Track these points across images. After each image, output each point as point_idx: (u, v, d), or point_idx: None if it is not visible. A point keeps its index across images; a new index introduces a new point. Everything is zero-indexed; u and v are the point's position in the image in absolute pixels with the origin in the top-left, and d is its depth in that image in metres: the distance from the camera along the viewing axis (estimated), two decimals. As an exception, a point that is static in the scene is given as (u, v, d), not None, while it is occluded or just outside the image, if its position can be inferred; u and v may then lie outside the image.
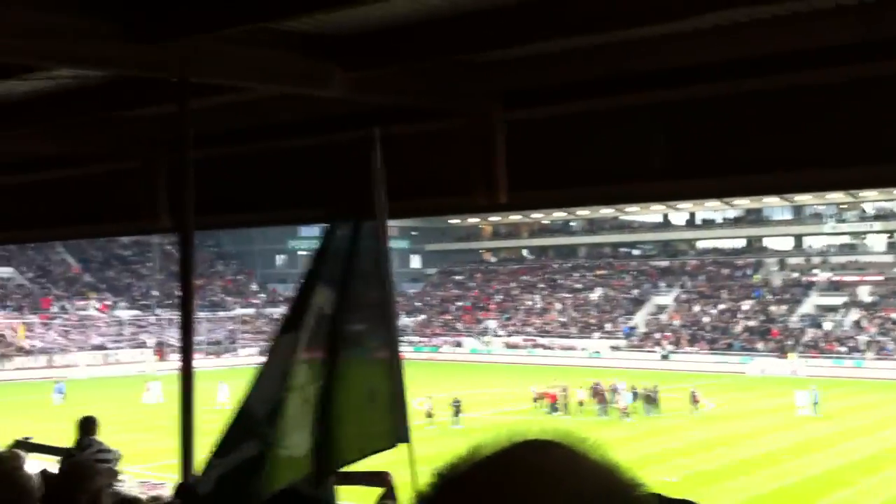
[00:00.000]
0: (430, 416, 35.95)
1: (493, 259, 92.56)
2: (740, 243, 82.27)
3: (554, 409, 40.52)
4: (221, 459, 4.16)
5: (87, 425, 8.88)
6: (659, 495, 1.14)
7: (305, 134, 7.82)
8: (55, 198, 10.50)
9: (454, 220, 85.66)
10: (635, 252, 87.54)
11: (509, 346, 74.44)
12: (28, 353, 62.15)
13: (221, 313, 73.46)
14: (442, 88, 6.72)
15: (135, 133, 8.32)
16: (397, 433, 4.41)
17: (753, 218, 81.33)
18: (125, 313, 71.96)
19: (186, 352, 7.27)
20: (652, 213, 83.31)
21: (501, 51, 6.01)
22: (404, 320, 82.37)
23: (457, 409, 37.14)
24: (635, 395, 41.26)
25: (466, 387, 43.58)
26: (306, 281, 4.58)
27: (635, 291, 79.45)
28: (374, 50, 5.97)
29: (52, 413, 35.48)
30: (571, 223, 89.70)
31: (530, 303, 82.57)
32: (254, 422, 4.16)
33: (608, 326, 74.67)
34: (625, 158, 6.97)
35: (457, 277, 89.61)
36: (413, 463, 4.28)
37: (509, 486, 0.86)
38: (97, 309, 70.99)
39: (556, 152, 7.30)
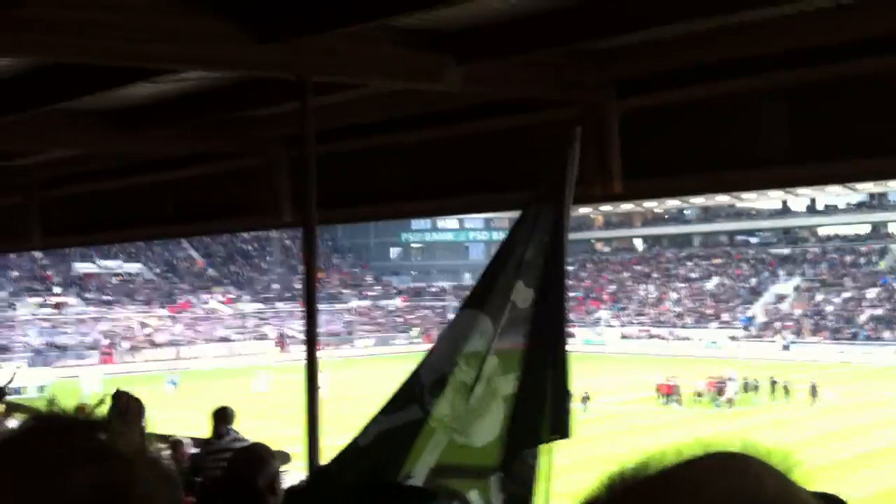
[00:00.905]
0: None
1: (605, 249, 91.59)
2: (864, 229, 79.15)
3: (671, 399, 39.92)
4: (386, 416, 4.20)
5: (224, 415, 9.19)
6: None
7: (423, 127, 7.94)
8: (181, 196, 10.91)
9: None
10: (753, 240, 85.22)
11: (623, 336, 73.59)
12: (157, 345, 64.76)
13: (338, 305, 74.90)
14: (555, 79, 6.73)
15: (257, 132, 8.60)
16: (559, 427, 4.23)
17: (878, 203, 78.12)
18: (248, 306, 74.18)
19: (311, 342, 7.50)
20: (770, 199, 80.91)
21: (614, 39, 5.99)
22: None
23: (585, 398, 37.13)
24: (752, 385, 40.29)
25: (582, 377, 43.32)
26: (497, 266, 4.45)
27: (753, 280, 77.41)
28: (488, 42, 6.03)
29: (163, 403, 36.71)
30: (686, 211, 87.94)
31: (644, 293, 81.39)
32: (419, 387, 4.16)
33: (725, 316, 72.99)
34: (743, 144, 6.84)
35: (569, 268, 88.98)
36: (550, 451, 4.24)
37: (692, 495, 0.85)
38: (221, 302, 73.37)
39: (672, 140, 7.21)
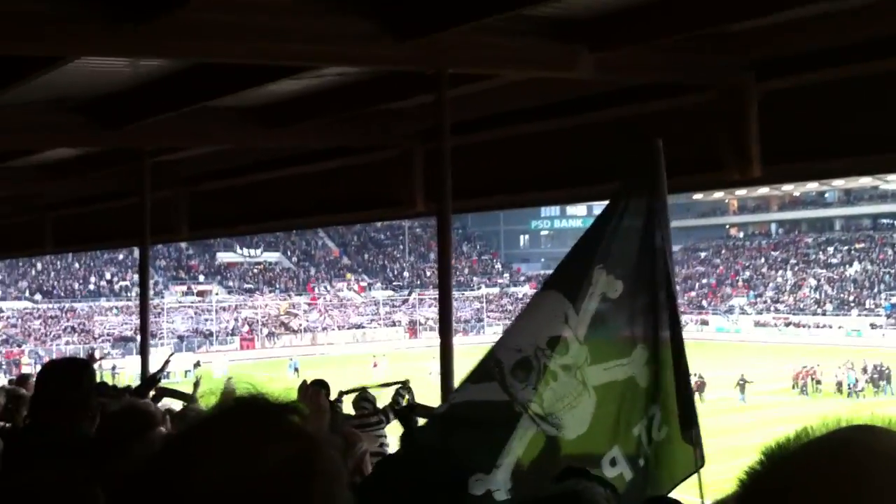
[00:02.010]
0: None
1: (740, 234, 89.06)
2: None
3: (809, 390, 38.65)
4: (464, 388, 4.24)
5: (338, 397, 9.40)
6: None
7: (555, 116, 7.98)
8: (320, 188, 11.26)
9: (697, 196, 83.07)
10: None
11: (758, 324, 71.47)
12: (294, 332, 66.77)
13: (468, 293, 75.41)
14: (690, 63, 6.65)
15: (392, 124, 8.81)
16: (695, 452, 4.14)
17: None
18: (380, 294, 75.61)
19: (446, 329, 7.66)
20: (918, 180, 77.04)
21: (752, 20, 5.88)
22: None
23: (742, 386, 36.57)
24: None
25: (716, 367, 42.35)
26: (580, 253, 4.42)
27: (900, 265, 73.86)
28: (621, 29, 6.02)
29: (284, 386, 37.58)
30: (826, 194, 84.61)
31: (781, 279, 78.80)
32: (497, 366, 4.14)
33: (868, 303, 69.93)
34: (889, 125, 6.60)
35: (701, 254, 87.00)
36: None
37: (842, 464, 0.90)
38: (354, 290, 75.02)
39: (813, 122, 7.01)
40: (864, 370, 40.15)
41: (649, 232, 4.47)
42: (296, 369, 47.54)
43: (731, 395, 36.91)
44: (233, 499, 1.02)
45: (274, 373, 46.42)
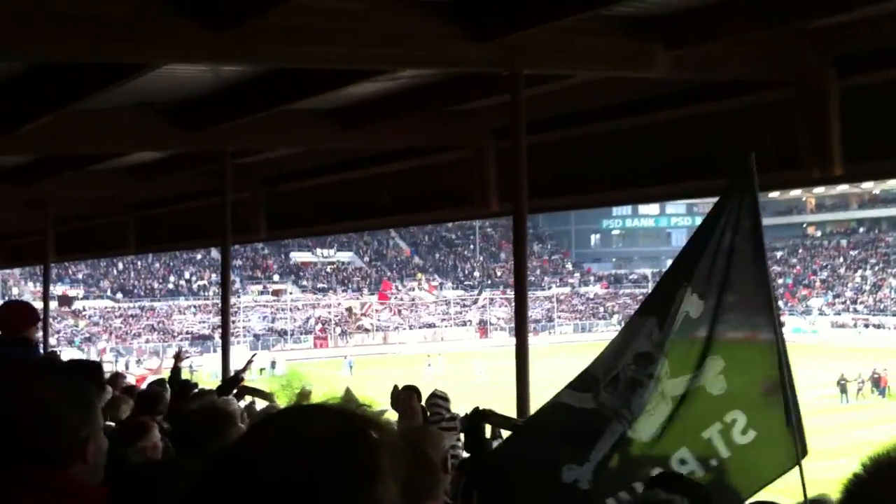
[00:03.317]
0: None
1: (817, 233, 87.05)
2: None
3: (882, 393, 37.60)
4: (567, 392, 4.59)
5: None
6: None
7: (629, 115, 7.95)
8: (394, 188, 11.36)
9: (774, 194, 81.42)
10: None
11: (835, 325, 69.75)
12: (366, 331, 67.39)
13: (539, 292, 75.17)
14: (768, 59, 6.57)
15: (467, 124, 8.87)
16: (796, 447, 4.30)
17: None
18: (451, 293, 75.84)
19: (521, 328, 7.69)
20: None
21: (832, 16, 5.80)
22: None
23: (843, 387, 35.84)
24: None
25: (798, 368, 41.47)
26: (673, 274, 4.69)
27: None
28: (698, 26, 5.98)
29: (338, 383, 37.69)
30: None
31: (860, 279, 76.79)
32: (594, 380, 4.50)
33: (955, 304, 67.75)
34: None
35: (777, 253, 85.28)
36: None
37: None
38: (425, 290, 75.38)
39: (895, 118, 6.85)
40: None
41: (739, 241, 4.51)
42: (350, 367, 48.06)
43: (806, 399, 36.16)
44: (271, 462, 1.11)
45: (331, 371, 46.89)
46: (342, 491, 1.09)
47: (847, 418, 31.47)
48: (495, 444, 6.53)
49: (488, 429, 6.59)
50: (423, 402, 7.99)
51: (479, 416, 5.76)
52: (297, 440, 1.13)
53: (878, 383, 38.48)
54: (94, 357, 43.55)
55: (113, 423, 5.92)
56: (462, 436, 8.27)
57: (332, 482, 1.10)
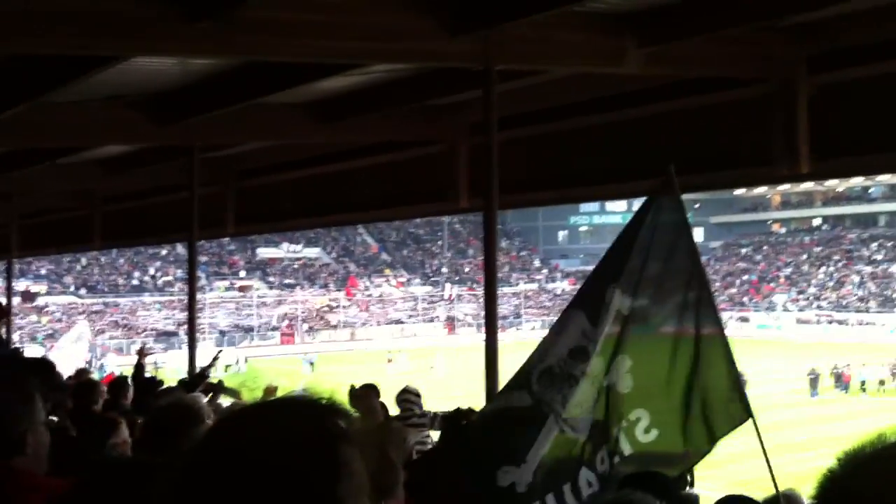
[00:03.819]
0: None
1: (782, 230, 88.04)
2: None
3: (846, 388, 38.12)
4: (511, 391, 4.52)
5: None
6: None
7: (601, 111, 7.97)
8: (365, 185, 11.33)
9: (740, 191, 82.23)
10: (947, 219, 79.85)
11: (800, 321, 70.62)
12: (334, 327, 67.16)
13: (506, 289, 75.35)
14: (739, 57, 6.62)
15: (439, 120, 8.85)
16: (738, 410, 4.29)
17: None
18: (418, 289, 75.79)
19: (491, 324, 7.70)
20: (966, 175, 75.56)
21: (802, 14, 5.85)
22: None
23: (813, 381, 36.27)
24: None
25: (757, 364, 41.96)
26: (600, 274, 4.66)
27: (947, 262, 72.60)
28: (670, 23, 6.01)
29: (298, 380, 37.46)
30: (870, 189, 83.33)
31: (823, 276, 77.81)
32: (527, 376, 4.42)
33: (916, 300, 68.83)
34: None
35: (742, 250, 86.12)
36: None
37: None
38: (393, 286, 75.27)
39: (865, 116, 6.93)
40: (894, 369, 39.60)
41: (666, 225, 4.54)
42: (311, 364, 47.86)
43: (774, 391, 36.54)
44: (250, 459, 1.11)
45: (294, 367, 46.64)
46: (308, 486, 1.10)
47: (814, 412, 31.88)
48: None
49: None
50: (381, 399, 7.98)
51: (460, 416, 5.76)
52: (262, 436, 1.13)
53: (840, 379, 38.99)
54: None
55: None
56: (432, 433, 8.28)
57: (298, 477, 1.09)
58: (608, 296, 4.40)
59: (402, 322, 70.12)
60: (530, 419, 4.31)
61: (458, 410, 5.94)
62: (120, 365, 41.71)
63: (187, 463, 1.15)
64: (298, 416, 1.16)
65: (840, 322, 68.39)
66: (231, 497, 1.09)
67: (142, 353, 10.63)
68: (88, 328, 25.09)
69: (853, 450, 1.02)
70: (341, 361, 47.64)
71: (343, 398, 1.35)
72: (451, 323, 70.17)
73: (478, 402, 6.98)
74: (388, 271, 78.08)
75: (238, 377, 38.35)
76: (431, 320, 71.10)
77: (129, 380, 8.71)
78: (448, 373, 40.65)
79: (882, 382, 38.65)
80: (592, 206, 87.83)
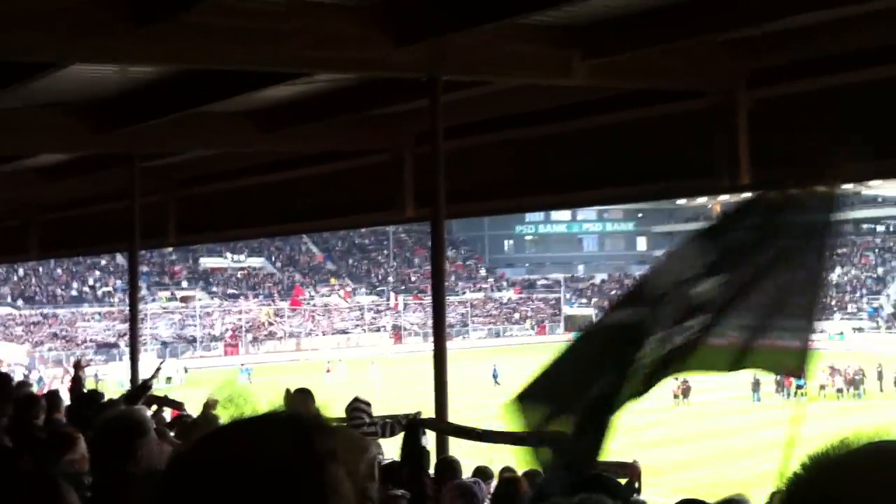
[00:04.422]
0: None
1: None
2: None
3: (787, 392, 38.82)
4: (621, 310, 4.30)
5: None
6: None
7: (547, 122, 8.02)
8: (309, 194, 11.25)
9: (681, 201, 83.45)
10: (880, 228, 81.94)
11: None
12: (279, 338, 66.57)
13: (453, 297, 75.49)
14: (682, 71, 6.71)
15: (384, 129, 8.83)
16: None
17: None
18: (364, 299, 75.50)
19: (439, 333, 7.70)
20: (899, 186, 77.60)
21: (746, 29, 5.94)
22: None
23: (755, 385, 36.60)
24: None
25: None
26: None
27: (881, 270, 74.45)
28: (615, 36, 6.07)
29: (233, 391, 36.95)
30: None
31: (765, 284, 79.28)
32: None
33: (851, 307, 70.45)
34: (873, 135, 6.63)
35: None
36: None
37: (885, 473, 0.96)
38: (340, 296, 74.88)
39: (802, 130, 7.07)
40: (835, 374, 40.41)
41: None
42: (248, 374, 47.51)
43: (719, 399, 37.06)
44: (232, 476, 1.07)
45: (231, 377, 46.08)
46: None
47: (757, 418, 32.38)
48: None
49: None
50: (316, 405, 7.90)
51: (418, 423, 5.71)
52: (249, 455, 1.09)
53: (781, 384, 39.68)
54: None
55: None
56: (381, 441, 8.23)
57: (286, 499, 1.06)
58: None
59: (347, 332, 69.79)
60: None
61: (416, 416, 5.88)
62: (56, 377, 40.93)
63: (168, 482, 1.10)
64: (285, 434, 1.12)
65: (779, 329, 69.61)
66: None
67: (79, 365, 10.39)
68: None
69: (818, 453, 1.01)
70: (280, 372, 47.28)
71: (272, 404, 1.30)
72: (397, 332, 70.00)
73: (412, 410, 6.97)
74: (333, 281, 77.67)
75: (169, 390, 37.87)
76: (378, 330, 70.86)
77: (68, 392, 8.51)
78: (384, 382, 40.55)
79: (822, 387, 39.41)
80: (538, 216, 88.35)
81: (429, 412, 6.99)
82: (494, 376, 43.74)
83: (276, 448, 1.10)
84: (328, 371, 45.69)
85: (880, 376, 40.38)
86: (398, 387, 35.26)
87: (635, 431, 28.21)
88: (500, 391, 38.60)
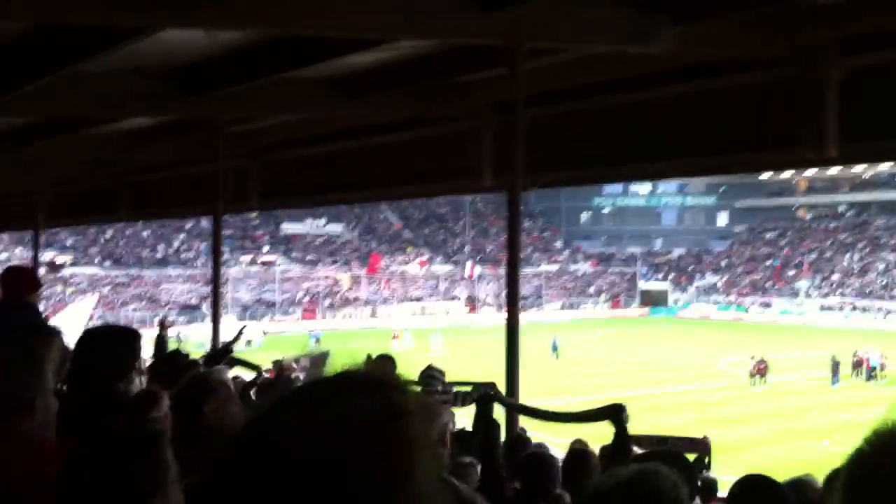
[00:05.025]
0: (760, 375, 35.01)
1: (808, 216, 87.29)
2: None
3: (870, 376, 37.84)
4: None
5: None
6: None
7: (629, 90, 7.91)
8: (390, 161, 11.32)
9: (765, 176, 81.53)
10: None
11: (824, 308, 70.14)
12: (354, 304, 67.41)
13: (528, 269, 75.27)
14: (771, 38, 6.55)
15: (465, 97, 8.82)
16: None
17: None
18: (440, 268, 75.84)
19: (513, 304, 7.70)
20: None
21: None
22: (710, 278, 79.98)
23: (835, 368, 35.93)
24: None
25: (778, 349, 41.75)
26: None
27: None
28: (703, 1, 5.95)
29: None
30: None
31: (848, 263, 77.16)
32: None
33: (940, 290, 68.19)
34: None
35: (767, 235, 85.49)
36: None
37: None
38: (416, 264, 75.34)
39: (894, 101, 6.84)
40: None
41: None
42: (317, 340, 48.05)
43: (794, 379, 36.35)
44: (310, 439, 1.07)
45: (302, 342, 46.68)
46: (383, 473, 1.06)
47: (833, 399, 31.69)
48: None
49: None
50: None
51: (489, 397, 5.77)
52: (332, 417, 1.08)
53: (859, 366, 38.75)
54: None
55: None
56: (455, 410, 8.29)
57: (373, 464, 1.06)
58: None
59: (422, 300, 70.25)
60: None
61: (490, 390, 5.91)
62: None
63: (251, 443, 1.10)
64: (364, 394, 1.12)
65: (863, 309, 67.87)
66: (308, 479, 1.05)
67: (163, 325, 10.68)
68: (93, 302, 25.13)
69: (880, 427, 1.01)
70: (350, 339, 47.85)
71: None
72: (472, 302, 70.20)
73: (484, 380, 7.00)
74: (410, 249, 78.13)
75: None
76: (452, 299, 71.16)
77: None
78: (448, 352, 40.67)
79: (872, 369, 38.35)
80: (616, 188, 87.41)
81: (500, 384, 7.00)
82: (554, 348, 43.43)
83: (359, 407, 1.09)
84: (394, 338, 46.06)
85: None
86: (467, 357, 35.46)
87: (708, 408, 28.01)
88: (557, 364, 38.49)
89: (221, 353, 9.16)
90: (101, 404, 3.91)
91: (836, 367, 36.62)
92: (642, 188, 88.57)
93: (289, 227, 75.89)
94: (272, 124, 11.01)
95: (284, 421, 1.09)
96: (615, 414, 4.76)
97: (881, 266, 74.74)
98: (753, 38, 6.43)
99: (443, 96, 8.86)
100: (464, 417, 6.92)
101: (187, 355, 9.72)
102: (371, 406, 1.10)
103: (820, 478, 4.56)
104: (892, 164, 72.52)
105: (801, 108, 6.89)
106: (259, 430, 1.10)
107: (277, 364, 10.79)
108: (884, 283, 72.09)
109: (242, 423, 1.15)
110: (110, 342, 4.36)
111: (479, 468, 5.29)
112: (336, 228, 77.89)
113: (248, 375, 9.33)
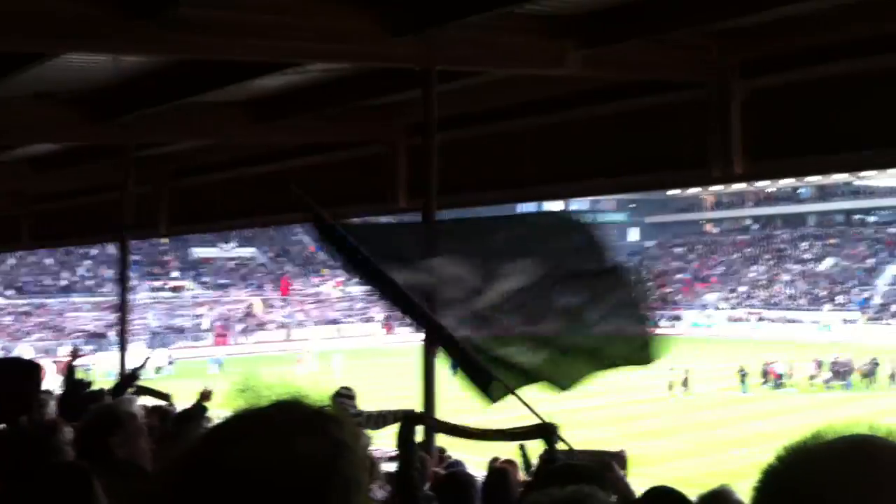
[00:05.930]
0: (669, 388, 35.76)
1: (715, 230, 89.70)
2: None
3: (778, 385, 38.98)
4: None
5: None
6: None
7: (539, 113, 8.01)
8: (301, 185, 11.17)
9: (674, 192, 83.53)
10: (871, 219, 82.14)
11: (732, 319, 72.03)
12: (268, 328, 66.52)
13: (443, 289, 75.42)
14: (675, 61, 6.71)
15: (377, 120, 8.81)
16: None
17: None
18: (356, 289, 75.43)
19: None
20: (890, 177, 77.81)
21: (738, 19, 5.95)
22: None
23: (684, 382, 36.69)
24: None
25: (691, 361, 42.66)
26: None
27: (871, 261, 74.71)
28: (609, 26, 6.06)
29: (204, 381, 36.44)
30: (800, 190, 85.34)
31: (754, 275, 79.47)
32: None
33: (840, 299, 70.69)
34: (863, 123, 6.65)
35: (676, 250, 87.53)
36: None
37: (859, 464, 0.98)
38: (331, 286, 74.80)
39: (796, 120, 7.08)
40: (820, 366, 40.51)
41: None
42: (219, 365, 47.28)
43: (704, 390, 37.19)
44: (259, 480, 1.04)
45: (201, 367, 45.85)
46: None
47: (746, 409, 32.48)
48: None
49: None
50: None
51: (412, 417, 5.71)
52: (281, 459, 1.05)
53: (767, 375, 39.83)
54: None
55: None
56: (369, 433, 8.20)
57: (311, 498, 1.04)
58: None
59: (338, 322, 69.78)
60: None
61: (411, 412, 5.87)
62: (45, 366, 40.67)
63: (179, 482, 1.06)
64: (304, 429, 1.09)
65: (770, 320, 69.91)
66: None
67: (74, 355, 10.39)
68: None
69: (794, 445, 1.03)
70: (256, 363, 47.13)
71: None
72: (389, 323, 69.97)
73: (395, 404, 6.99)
74: (325, 271, 77.62)
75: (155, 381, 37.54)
76: (369, 320, 70.85)
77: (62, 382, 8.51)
78: (344, 374, 40.43)
79: (812, 377, 39.57)
80: (529, 207, 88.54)
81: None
82: (453, 367, 43.47)
83: (303, 445, 1.07)
84: (298, 362, 45.67)
85: (875, 369, 40.33)
86: (358, 378, 35.02)
87: (627, 422, 28.41)
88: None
89: (127, 382, 8.94)
90: (2, 437, 3.81)
91: (743, 377, 37.65)
92: (555, 207, 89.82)
93: (199, 252, 74.63)
94: (181, 149, 10.82)
95: (229, 462, 1.05)
96: (547, 434, 4.79)
97: (786, 277, 77.20)
98: (658, 62, 6.58)
99: (356, 119, 8.84)
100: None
101: (90, 384, 9.46)
102: (314, 444, 1.07)
103: (736, 488, 4.65)
104: (794, 179, 75.12)
105: (708, 128, 7.07)
106: (202, 469, 1.06)
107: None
108: (790, 293, 74.44)
109: (179, 459, 1.11)
110: (9, 375, 4.24)
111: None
112: (248, 251, 76.94)
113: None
